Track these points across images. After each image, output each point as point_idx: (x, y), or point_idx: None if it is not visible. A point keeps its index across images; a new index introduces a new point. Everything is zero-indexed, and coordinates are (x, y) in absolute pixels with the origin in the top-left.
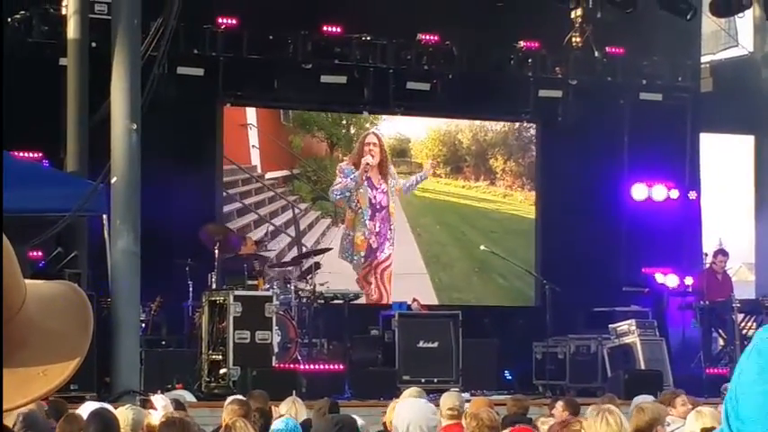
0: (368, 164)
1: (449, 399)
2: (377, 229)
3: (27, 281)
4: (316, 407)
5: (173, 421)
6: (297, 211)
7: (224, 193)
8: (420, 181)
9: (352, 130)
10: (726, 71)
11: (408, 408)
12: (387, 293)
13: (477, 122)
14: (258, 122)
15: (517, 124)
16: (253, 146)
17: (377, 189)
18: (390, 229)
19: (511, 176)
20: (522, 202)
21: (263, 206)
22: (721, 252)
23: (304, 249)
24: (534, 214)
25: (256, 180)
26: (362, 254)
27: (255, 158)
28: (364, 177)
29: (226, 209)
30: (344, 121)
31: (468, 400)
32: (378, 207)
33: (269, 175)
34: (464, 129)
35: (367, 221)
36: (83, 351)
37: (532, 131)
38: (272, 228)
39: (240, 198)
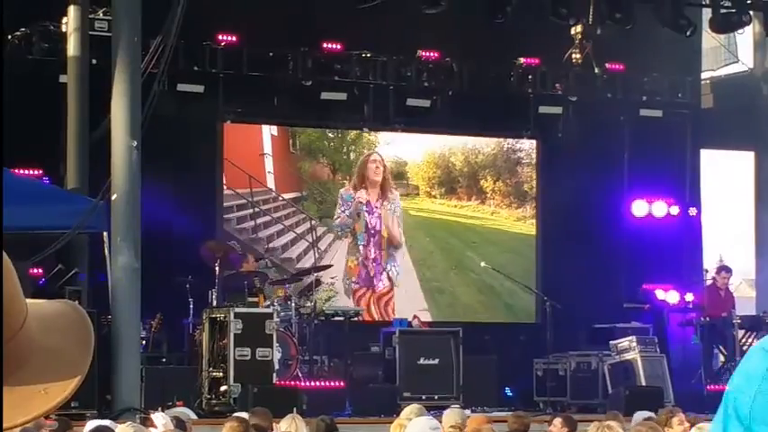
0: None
1: (451, 415)
2: (372, 256)
3: (28, 300)
4: (311, 426)
5: None
6: (313, 221)
7: (254, 209)
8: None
9: (352, 156)
10: (726, 87)
11: (410, 429)
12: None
13: (470, 145)
14: (273, 151)
15: (506, 146)
16: (269, 172)
17: (373, 214)
18: (383, 255)
19: (500, 196)
20: (506, 219)
21: (281, 221)
22: (724, 269)
23: (317, 254)
24: (529, 230)
25: (273, 200)
26: (353, 279)
27: (271, 182)
28: (359, 212)
29: (251, 223)
30: (345, 149)
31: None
32: (372, 232)
33: (283, 196)
34: (457, 152)
35: (360, 247)
36: (84, 369)
37: (519, 154)
38: (293, 235)
39: (264, 213)
